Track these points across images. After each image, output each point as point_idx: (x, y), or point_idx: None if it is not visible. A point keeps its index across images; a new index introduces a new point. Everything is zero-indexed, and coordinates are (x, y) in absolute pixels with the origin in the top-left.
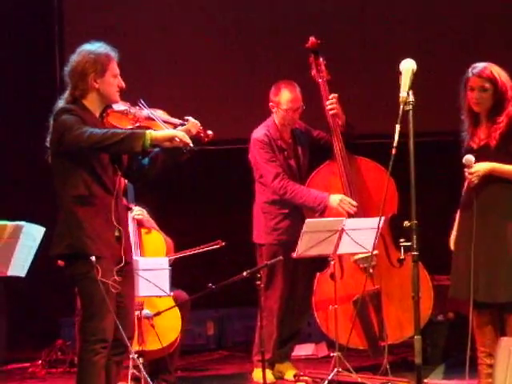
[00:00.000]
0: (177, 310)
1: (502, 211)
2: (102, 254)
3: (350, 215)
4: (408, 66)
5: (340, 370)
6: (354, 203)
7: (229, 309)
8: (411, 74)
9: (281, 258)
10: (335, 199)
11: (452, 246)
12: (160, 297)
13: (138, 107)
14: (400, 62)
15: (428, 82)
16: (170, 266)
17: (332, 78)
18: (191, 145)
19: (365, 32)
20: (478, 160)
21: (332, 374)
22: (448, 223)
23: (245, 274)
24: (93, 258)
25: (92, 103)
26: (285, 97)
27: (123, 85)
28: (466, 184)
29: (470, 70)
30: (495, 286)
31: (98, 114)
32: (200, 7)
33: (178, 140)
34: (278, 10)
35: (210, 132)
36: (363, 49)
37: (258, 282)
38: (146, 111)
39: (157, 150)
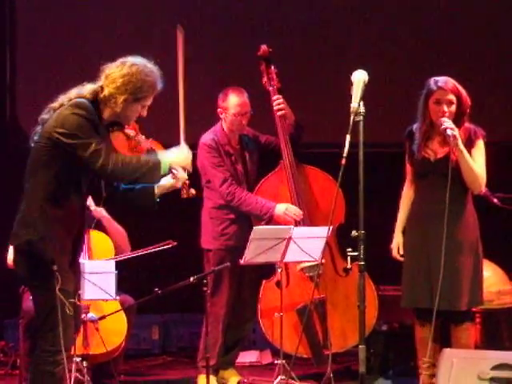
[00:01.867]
0: (122, 314)
1: (455, 219)
2: (58, 262)
3: (296, 223)
4: (359, 77)
5: (284, 377)
6: (300, 212)
7: (174, 314)
8: (362, 85)
9: (228, 264)
10: (281, 209)
11: (395, 254)
12: (106, 300)
13: (141, 137)
14: (352, 72)
15: (378, 93)
16: (121, 264)
17: (283, 87)
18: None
19: (317, 41)
20: (436, 172)
21: (276, 382)
22: (394, 233)
23: (191, 279)
24: (54, 267)
25: (107, 112)
26: (232, 102)
27: (145, 114)
28: (413, 192)
29: (431, 83)
30: (455, 294)
31: (105, 123)
32: (145, 8)
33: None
34: (231, 17)
35: (193, 191)
36: (315, 58)
37: (205, 288)
38: (148, 144)
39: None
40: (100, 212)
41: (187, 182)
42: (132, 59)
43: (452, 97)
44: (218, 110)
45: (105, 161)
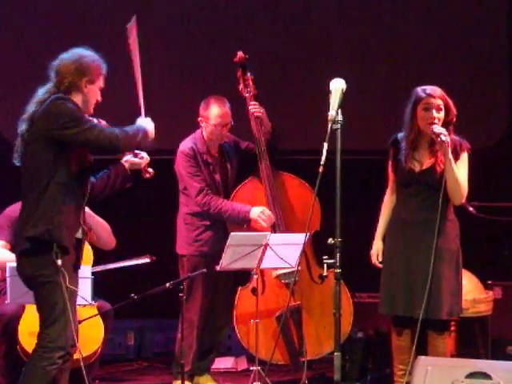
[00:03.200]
0: (99, 320)
1: (434, 229)
2: (66, 246)
3: (272, 230)
4: (337, 86)
5: None
6: (273, 217)
7: (150, 320)
8: (340, 93)
9: (204, 270)
10: (256, 211)
11: (374, 260)
12: (84, 306)
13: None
14: (330, 80)
15: (356, 102)
16: (98, 273)
17: (259, 93)
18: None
19: (294, 48)
20: (419, 182)
21: None
22: (370, 241)
23: (167, 285)
24: (59, 262)
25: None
26: (214, 112)
27: (100, 99)
28: (394, 199)
29: (418, 91)
30: (436, 303)
31: None
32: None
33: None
34: (207, 22)
35: (151, 170)
36: (292, 65)
37: (181, 294)
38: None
39: (107, 171)
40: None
41: (148, 164)
42: (71, 50)
43: (441, 103)
44: (199, 118)
45: (111, 136)
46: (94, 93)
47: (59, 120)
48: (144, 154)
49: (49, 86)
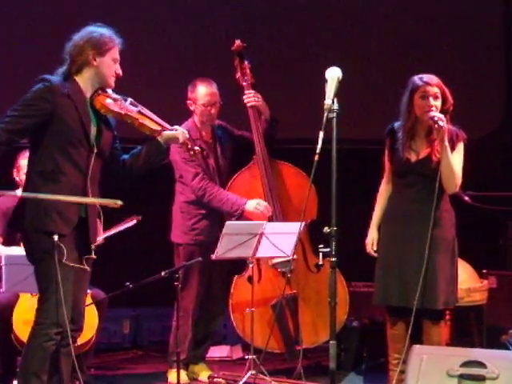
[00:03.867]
0: (94, 308)
1: (430, 219)
2: (62, 232)
3: (269, 219)
4: (333, 74)
5: (254, 372)
6: (269, 209)
7: (145, 308)
8: (336, 82)
9: (200, 258)
10: (251, 204)
11: (369, 250)
12: None
13: (128, 101)
14: (326, 68)
15: (353, 90)
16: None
17: (257, 82)
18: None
19: (292, 38)
20: (415, 172)
21: (246, 377)
22: (365, 230)
23: (163, 273)
24: (55, 238)
25: (85, 81)
26: (201, 92)
27: (121, 72)
28: (390, 189)
29: (415, 79)
30: (432, 293)
31: (88, 95)
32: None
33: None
34: (205, 11)
35: (196, 148)
36: (290, 54)
37: (176, 283)
38: (136, 107)
39: (141, 147)
40: None
41: (188, 138)
42: (82, 30)
43: (438, 91)
44: (188, 101)
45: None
46: (107, 65)
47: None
48: (179, 128)
49: (62, 69)
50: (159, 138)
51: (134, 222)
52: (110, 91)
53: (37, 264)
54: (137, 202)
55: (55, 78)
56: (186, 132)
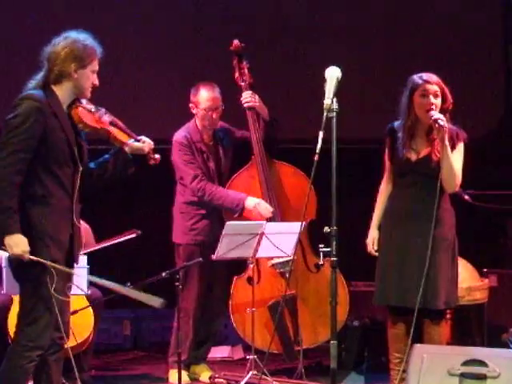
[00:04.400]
0: (89, 308)
1: (431, 218)
2: (54, 257)
3: (266, 219)
4: (333, 74)
5: (255, 372)
6: (271, 209)
7: (146, 309)
8: (336, 82)
9: (200, 259)
10: (251, 202)
11: (370, 249)
12: (76, 295)
13: (101, 111)
14: (325, 68)
15: (352, 89)
16: (92, 259)
17: (255, 82)
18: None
19: (290, 37)
20: (416, 171)
21: (247, 377)
22: (366, 230)
23: (163, 274)
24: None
25: (64, 92)
26: (203, 96)
27: (97, 83)
28: (391, 188)
29: (415, 78)
30: (433, 293)
31: (65, 106)
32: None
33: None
34: (203, 10)
35: (157, 156)
36: (288, 53)
37: (177, 283)
38: (109, 117)
39: (107, 156)
40: None
41: (152, 149)
42: (63, 35)
43: (437, 89)
44: (190, 105)
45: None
46: (86, 77)
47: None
48: (145, 138)
49: (39, 76)
50: (126, 149)
51: (133, 235)
52: (84, 101)
53: (24, 285)
54: (136, 204)
55: (36, 92)
56: (152, 142)
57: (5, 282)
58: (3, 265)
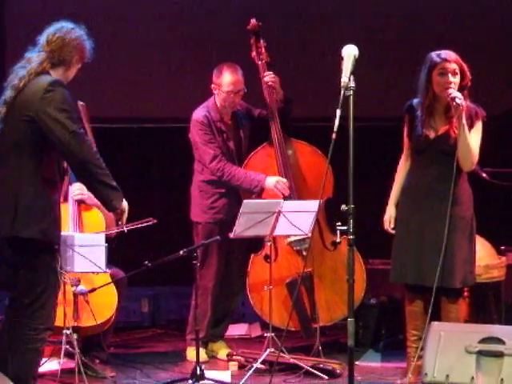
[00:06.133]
0: (113, 287)
1: (448, 197)
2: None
3: (284, 197)
4: (350, 52)
5: (273, 350)
6: (288, 186)
7: (164, 287)
8: (353, 60)
9: (218, 237)
10: (271, 181)
11: (387, 227)
12: (97, 273)
13: None
14: (342, 46)
15: (370, 68)
16: (107, 242)
17: (272, 61)
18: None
19: (306, 15)
20: (434, 148)
21: (265, 354)
22: (383, 208)
23: (181, 252)
24: (56, 247)
25: (57, 76)
26: (226, 79)
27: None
28: (409, 166)
29: (433, 56)
30: (449, 271)
31: None
32: None
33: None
34: None
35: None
36: (305, 32)
37: (195, 261)
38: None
39: None
40: (91, 199)
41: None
42: (69, 25)
43: (456, 67)
44: (212, 85)
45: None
46: (73, 72)
47: (61, 112)
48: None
49: (42, 56)
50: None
51: (150, 223)
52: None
53: (35, 272)
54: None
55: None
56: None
57: (75, 260)
58: (75, 244)
